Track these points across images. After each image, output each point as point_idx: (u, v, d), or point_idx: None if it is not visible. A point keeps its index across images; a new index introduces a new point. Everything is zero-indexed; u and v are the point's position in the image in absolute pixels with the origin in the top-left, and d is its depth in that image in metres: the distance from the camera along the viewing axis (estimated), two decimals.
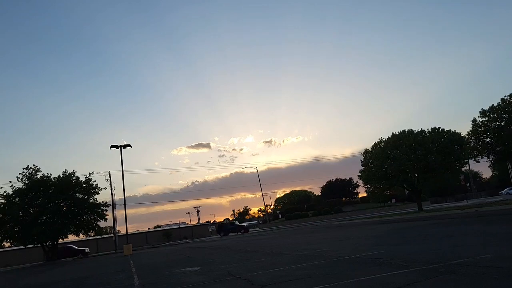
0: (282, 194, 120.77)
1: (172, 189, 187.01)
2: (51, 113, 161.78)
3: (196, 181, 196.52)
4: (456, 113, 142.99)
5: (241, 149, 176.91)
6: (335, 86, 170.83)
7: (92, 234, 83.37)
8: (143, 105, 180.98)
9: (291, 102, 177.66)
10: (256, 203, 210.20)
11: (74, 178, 42.29)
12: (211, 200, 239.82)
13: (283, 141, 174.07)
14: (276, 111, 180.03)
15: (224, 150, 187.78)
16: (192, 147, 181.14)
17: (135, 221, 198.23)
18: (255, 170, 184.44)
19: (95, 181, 43.36)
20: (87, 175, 43.21)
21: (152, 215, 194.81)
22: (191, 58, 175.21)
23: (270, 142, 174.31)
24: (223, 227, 63.12)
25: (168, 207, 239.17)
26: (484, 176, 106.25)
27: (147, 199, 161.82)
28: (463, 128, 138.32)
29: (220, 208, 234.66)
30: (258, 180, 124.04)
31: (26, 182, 40.84)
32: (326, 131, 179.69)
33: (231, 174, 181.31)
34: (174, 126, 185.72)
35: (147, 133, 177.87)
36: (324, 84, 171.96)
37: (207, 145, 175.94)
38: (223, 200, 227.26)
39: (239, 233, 58.07)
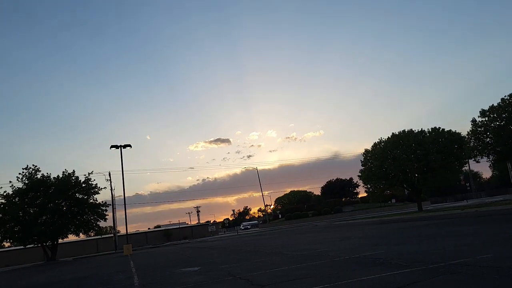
0: (282, 194, 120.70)
1: (181, 187, 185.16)
2: (59, 109, 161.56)
3: (207, 177, 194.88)
4: (472, 112, 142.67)
5: (259, 145, 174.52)
6: (362, 83, 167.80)
7: (92, 234, 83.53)
8: (164, 97, 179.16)
9: (319, 96, 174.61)
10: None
11: (73, 178, 42.26)
12: (219, 199, 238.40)
13: (303, 136, 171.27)
14: (302, 105, 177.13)
15: (243, 146, 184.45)
16: (211, 142, 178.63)
17: (141, 219, 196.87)
18: (264, 168, 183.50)
19: (94, 180, 43.34)
20: (87, 175, 43.22)
21: (159, 213, 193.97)
22: (229, 50, 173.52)
23: (290, 137, 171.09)
24: None
25: (176, 205, 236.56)
26: (484, 176, 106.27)
27: (155, 197, 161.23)
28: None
29: (228, 207, 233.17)
30: (258, 179, 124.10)
31: (26, 182, 40.84)
32: (349, 126, 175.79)
33: (242, 171, 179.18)
34: (196, 120, 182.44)
35: (168, 127, 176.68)
36: (352, 80, 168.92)
37: (226, 141, 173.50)
38: (231, 198, 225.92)
39: None
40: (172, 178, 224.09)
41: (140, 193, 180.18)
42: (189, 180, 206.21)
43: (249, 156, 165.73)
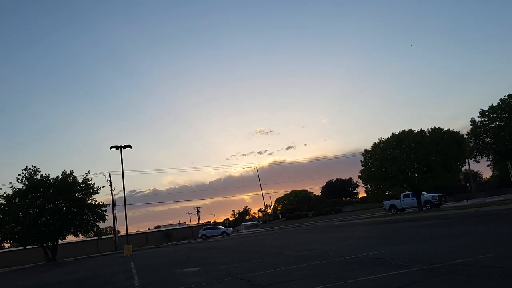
0: (283, 194, 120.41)
1: (201, 182, 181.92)
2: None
3: (234, 169, 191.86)
4: None
5: (303, 136, 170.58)
6: (409, 71, 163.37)
7: (92, 235, 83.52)
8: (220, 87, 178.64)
9: (376, 85, 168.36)
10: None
11: (71, 178, 42.29)
12: (236, 197, 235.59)
13: (349, 126, 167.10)
14: (359, 95, 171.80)
15: (288, 137, 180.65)
16: (256, 133, 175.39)
17: (150, 218, 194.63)
18: (293, 162, 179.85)
19: (91, 179, 43.39)
20: (84, 175, 43.25)
21: (172, 211, 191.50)
22: (273, 43, 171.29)
23: (339, 128, 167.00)
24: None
25: (193, 203, 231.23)
26: (484, 176, 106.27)
27: (171, 193, 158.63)
28: None
29: (242, 204, 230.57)
30: (259, 179, 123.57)
31: (26, 183, 40.86)
32: (398, 115, 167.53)
33: (266, 166, 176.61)
34: (252, 108, 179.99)
35: (224, 116, 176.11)
36: (398, 70, 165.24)
37: (274, 132, 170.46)
38: (246, 196, 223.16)
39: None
40: (194, 173, 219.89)
41: (159, 188, 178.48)
42: (211, 174, 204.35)
43: (288, 148, 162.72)
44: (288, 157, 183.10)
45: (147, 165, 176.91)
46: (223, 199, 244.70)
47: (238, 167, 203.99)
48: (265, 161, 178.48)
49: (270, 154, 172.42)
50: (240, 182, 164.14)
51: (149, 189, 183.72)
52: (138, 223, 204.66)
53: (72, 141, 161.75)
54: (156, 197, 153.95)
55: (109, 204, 49.40)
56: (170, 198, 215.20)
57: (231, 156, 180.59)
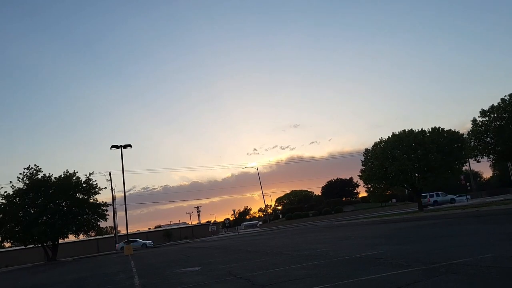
0: (283, 194, 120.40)
1: (214, 179, 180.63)
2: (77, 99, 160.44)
3: (248, 165, 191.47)
4: None
5: (329, 131, 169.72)
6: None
7: (93, 234, 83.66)
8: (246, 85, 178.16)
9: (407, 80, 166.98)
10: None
11: (74, 178, 42.35)
12: (246, 195, 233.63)
13: (378, 122, 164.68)
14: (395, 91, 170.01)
15: (313, 132, 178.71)
16: (282, 127, 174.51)
17: (159, 216, 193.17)
18: (313, 156, 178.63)
19: (95, 181, 43.51)
20: (88, 175, 43.34)
21: (180, 209, 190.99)
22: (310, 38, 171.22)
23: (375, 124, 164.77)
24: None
25: (201, 201, 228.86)
26: (484, 176, 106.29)
27: (181, 190, 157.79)
28: None
29: (251, 202, 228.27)
30: (259, 179, 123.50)
31: (27, 182, 40.89)
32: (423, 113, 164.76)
33: (282, 163, 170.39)
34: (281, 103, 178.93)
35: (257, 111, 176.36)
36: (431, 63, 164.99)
37: (298, 126, 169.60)
38: (255, 194, 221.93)
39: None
40: (209, 170, 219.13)
41: (168, 184, 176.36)
42: (225, 170, 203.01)
43: (311, 143, 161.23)
44: (309, 152, 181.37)
45: (165, 160, 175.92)
46: (232, 196, 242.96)
47: (244, 165, 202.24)
48: (283, 156, 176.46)
49: (293, 149, 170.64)
50: (254, 180, 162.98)
51: (161, 186, 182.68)
52: (146, 221, 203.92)
53: (80, 137, 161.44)
54: (165, 195, 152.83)
55: (110, 204, 49.42)
56: (179, 196, 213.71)
57: (254, 150, 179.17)
